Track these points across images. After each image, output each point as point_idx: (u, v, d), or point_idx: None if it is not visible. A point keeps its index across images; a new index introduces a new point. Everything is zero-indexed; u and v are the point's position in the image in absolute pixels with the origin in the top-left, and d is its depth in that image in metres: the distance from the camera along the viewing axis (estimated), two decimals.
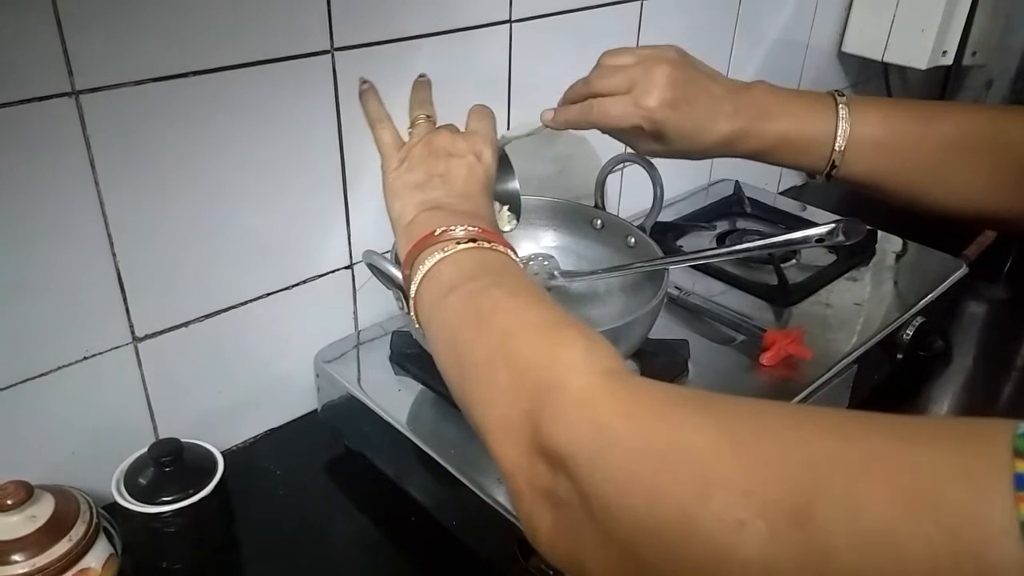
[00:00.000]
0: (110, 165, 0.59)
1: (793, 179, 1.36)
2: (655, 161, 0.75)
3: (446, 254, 0.47)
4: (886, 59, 1.24)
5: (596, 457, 0.32)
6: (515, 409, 0.36)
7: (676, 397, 0.33)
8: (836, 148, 0.60)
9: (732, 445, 0.30)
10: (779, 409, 0.32)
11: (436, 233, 0.49)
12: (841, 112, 0.60)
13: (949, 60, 1.22)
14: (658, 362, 0.72)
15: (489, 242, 0.48)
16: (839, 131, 0.60)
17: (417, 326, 0.50)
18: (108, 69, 0.57)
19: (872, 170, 0.61)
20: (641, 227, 0.76)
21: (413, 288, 0.48)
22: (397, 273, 0.59)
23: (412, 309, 0.49)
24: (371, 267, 0.61)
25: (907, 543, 0.24)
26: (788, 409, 0.33)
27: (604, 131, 0.65)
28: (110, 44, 0.56)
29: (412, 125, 0.61)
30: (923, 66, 1.20)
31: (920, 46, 1.19)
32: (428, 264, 0.47)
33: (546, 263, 0.75)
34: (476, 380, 0.40)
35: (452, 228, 0.49)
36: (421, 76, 0.64)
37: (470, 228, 0.49)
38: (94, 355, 0.64)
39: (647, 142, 0.63)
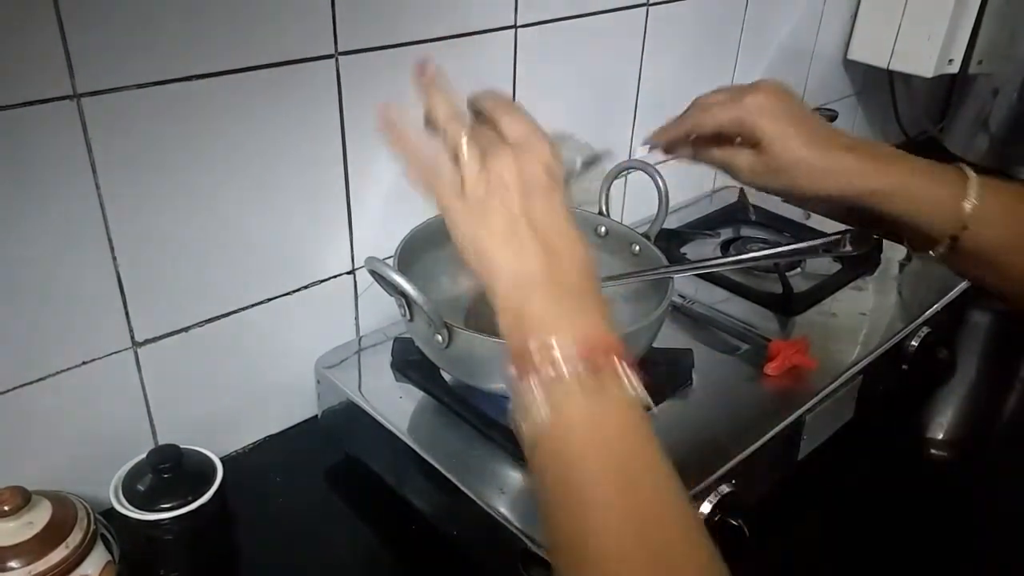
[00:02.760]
0: (111, 169, 0.59)
1: None
2: (661, 168, 0.75)
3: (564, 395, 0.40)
4: (892, 67, 1.24)
5: None
6: None
7: None
8: (967, 204, 0.51)
9: None
10: None
11: (552, 356, 0.40)
12: (968, 172, 0.52)
13: (955, 68, 1.21)
14: (662, 372, 0.71)
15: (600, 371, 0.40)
16: (970, 188, 0.51)
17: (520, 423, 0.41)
18: (110, 72, 0.56)
19: (1005, 239, 0.52)
20: (646, 234, 0.75)
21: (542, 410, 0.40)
22: (400, 280, 0.59)
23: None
24: (374, 274, 0.61)
25: None
26: None
27: (699, 158, 0.61)
28: (112, 47, 0.56)
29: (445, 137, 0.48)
30: (929, 74, 1.20)
31: (926, 54, 1.19)
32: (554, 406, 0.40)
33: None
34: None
35: (560, 345, 0.40)
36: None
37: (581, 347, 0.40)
38: (93, 360, 0.63)
39: (746, 158, 0.57)
